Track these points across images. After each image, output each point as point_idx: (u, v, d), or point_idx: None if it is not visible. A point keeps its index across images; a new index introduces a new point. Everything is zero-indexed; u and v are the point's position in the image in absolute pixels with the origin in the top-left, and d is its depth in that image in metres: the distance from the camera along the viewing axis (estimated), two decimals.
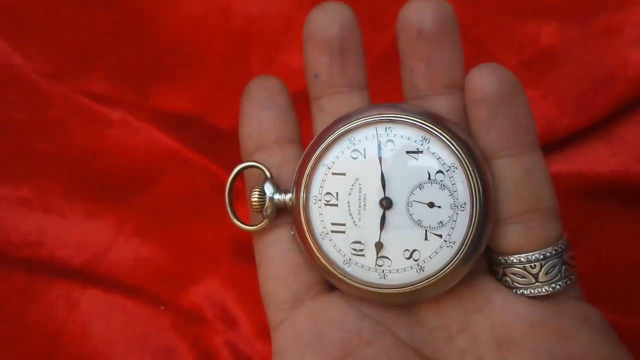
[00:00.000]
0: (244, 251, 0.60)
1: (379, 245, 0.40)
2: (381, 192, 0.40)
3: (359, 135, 0.40)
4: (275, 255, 0.42)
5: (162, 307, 0.64)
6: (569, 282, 0.39)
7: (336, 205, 0.40)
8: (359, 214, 0.40)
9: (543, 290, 0.39)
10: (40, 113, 0.66)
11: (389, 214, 0.40)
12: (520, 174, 0.38)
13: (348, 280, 0.40)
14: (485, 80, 0.38)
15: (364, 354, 0.39)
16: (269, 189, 0.41)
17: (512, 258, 0.39)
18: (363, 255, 0.40)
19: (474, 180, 0.38)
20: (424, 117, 0.39)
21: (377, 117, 0.40)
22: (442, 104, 0.41)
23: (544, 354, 0.37)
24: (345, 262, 0.40)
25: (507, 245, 0.39)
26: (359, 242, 0.40)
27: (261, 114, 0.42)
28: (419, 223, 0.39)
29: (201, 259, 0.66)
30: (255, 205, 0.41)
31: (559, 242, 0.39)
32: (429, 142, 0.39)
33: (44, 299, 0.63)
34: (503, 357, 0.38)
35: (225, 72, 0.67)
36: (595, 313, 0.40)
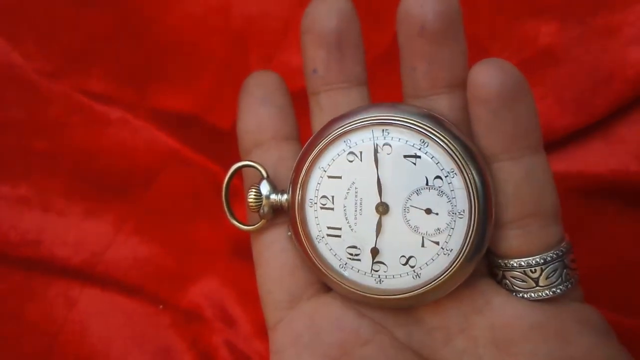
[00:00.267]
0: (243, 250, 0.59)
1: (374, 251, 0.39)
2: (377, 197, 0.39)
3: (355, 137, 0.39)
4: (272, 254, 0.42)
5: (161, 306, 0.63)
6: (569, 285, 0.38)
7: (332, 209, 0.39)
8: (355, 218, 0.39)
9: (543, 294, 0.38)
10: (39, 112, 0.66)
11: (385, 219, 0.39)
12: (520, 177, 0.37)
13: (344, 285, 0.39)
14: (488, 77, 0.35)
15: (361, 354, 0.39)
16: (265, 188, 0.40)
17: (512, 262, 0.38)
18: (359, 260, 0.39)
19: (473, 187, 0.37)
20: (423, 119, 0.38)
21: (373, 119, 0.38)
22: (443, 103, 0.39)
23: (544, 356, 0.36)
24: (341, 266, 0.40)
25: (507, 249, 0.38)
26: (355, 247, 0.39)
27: (259, 110, 0.42)
28: (415, 229, 0.38)
29: (200, 258, 0.65)
30: (252, 205, 0.40)
31: (560, 246, 0.38)
32: (427, 145, 0.38)
33: (42, 297, 0.62)
34: (502, 359, 0.37)
35: (224, 71, 0.67)
36: (596, 315, 0.39)
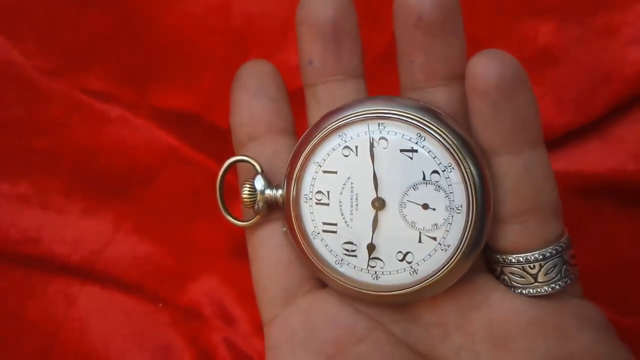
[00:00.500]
0: (242, 249, 0.59)
1: (371, 247, 0.38)
2: (373, 192, 0.38)
3: (351, 131, 0.38)
4: (267, 250, 0.41)
5: (161, 305, 0.63)
6: (568, 281, 0.37)
7: (327, 204, 0.39)
8: (351, 214, 0.38)
9: (542, 290, 0.37)
10: (39, 110, 0.65)
11: (381, 214, 0.38)
12: (519, 172, 0.36)
13: (340, 281, 0.38)
14: (487, 68, 0.34)
15: (357, 351, 0.38)
16: (259, 184, 0.39)
17: (510, 257, 0.37)
18: (355, 256, 0.38)
19: (471, 181, 0.36)
20: (419, 112, 0.37)
21: (369, 113, 0.37)
22: (441, 96, 0.38)
23: (542, 352, 0.36)
24: (337, 262, 0.39)
25: (506, 244, 0.37)
26: (351, 243, 0.38)
27: (253, 103, 0.41)
28: (412, 225, 0.37)
29: (199, 257, 0.65)
30: (246, 200, 0.39)
31: (560, 241, 0.37)
32: (424, 140, 0.37)
33: (42, 295, 0.62)
34: (499, 356, 0.37)
35: (224, 70, 0.67)
36: (596, 311, 0.38)
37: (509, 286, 0.38)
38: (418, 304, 0.40)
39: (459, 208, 0.36)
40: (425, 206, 0.37)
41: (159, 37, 0.67)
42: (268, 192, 0.40)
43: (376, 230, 0.38)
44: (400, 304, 0.39)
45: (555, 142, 0.62)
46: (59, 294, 0.62)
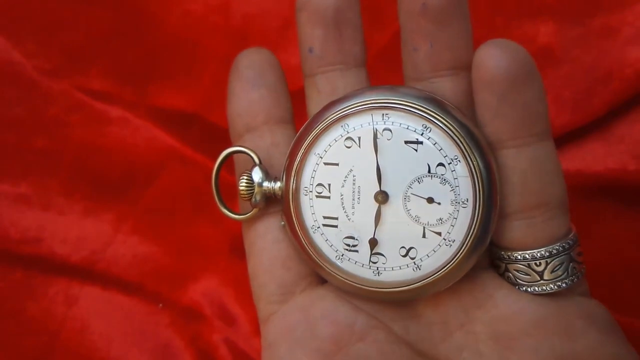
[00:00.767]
0: (242, 248, 0.59)
1: (373, 242, 0.37)
2: (376, 185, 0.36)
3: (354, 122, 0.36)
4: (265, 245, 0.39)
5: (161, 305, 0.62)
6: (575, 279, 0.36)
7: (328, 197, 0.37)
8: (353, 207, 0.37)
9: (548, 288, 0.36)
10: (39, 110, 0.64)
11: (384, 208, 0.36)
12: (528, 166, 0.35)
13: (340, 277, 0.37)
14: (495, 58, 0.33)
15: (356, 350, 0.37)
16: (257, 175, 0.38)
17: (515, 254, 0.36)
18: (356, 251, 0.37)
19: (478, 174, 0.34)
20: (425, 102, 0.35)
21: (373, 103, 0.36)
22: (446, 86, 0.37)
23: (547, 352, 0.35)
24: (338, 257, 0.37)
25: (511, 241, 0.36)
26: (352, 238, 0.37)
27: (250, 92, 0.39)
28: (416, 219, 0.36)
29: (200, 257, 0.64)
30: (243, 193, 0.38)
31: (567, 238, 0.36)
32: (429, 131, 0.35)
33: (43, 295, 0.61)
34: (503, 355, 0.36)
35: (224, 69, 0.65)
36: (602, 310, 0.37)
37: (514, 284, 0.37)
38: (419, 302, 0.38)
39: (465, 202, 0.35)
40: (430, 200, 0.36)
41: (159, 37, 0.66)
42: (266, 184, 0.38)
43: (379, 225, 0.37)
44: (402, 301, 0.38)
45: (555, 142, 0.61)
46: (60, 294, 0.62)
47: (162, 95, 0.67)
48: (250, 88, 0.40)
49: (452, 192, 0.35)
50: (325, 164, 0.37)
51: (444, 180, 0.35)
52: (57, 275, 0.62)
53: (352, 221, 0.37)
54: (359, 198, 0.37)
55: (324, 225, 0.38)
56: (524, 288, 0.37)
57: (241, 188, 0.38)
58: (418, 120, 0.36)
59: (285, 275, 0.39)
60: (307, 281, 0.40)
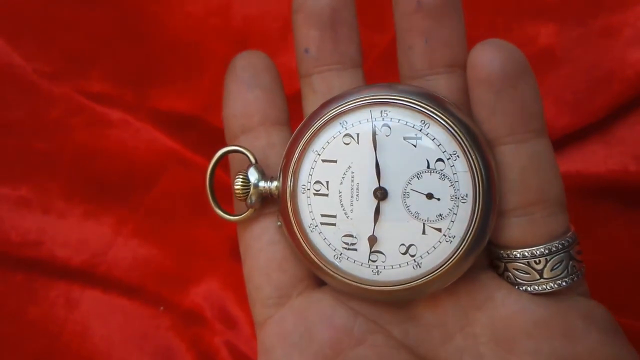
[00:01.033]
0: None
1: (372, 240, 0.36)
2: (375, 181, 0.36)
3: (352, 118, 0.36)
4: (261, 247, 0.39)
5: (162, 308, 0.62)
6: (575, 278, 0.36)
7: (326, 195, 0.37)
8: (351, 205, 0.36)
9: (548, 287, 0.36)
10: (40, 113, 0.64)
11: (383, 205, 0.36)
12: (525, 162, 0.35)
13: (338, 276, 0.37)
14: (489, 57, 0.34)
15: (355, 354, 0.36)
16: (253, 175, 0.38)
17: (515, 252, 0.36)
18: (355, 249, 0.37)
19: (477, 169, 0.34)
20: (423, 98, 0.35)
21: (372, 99, 0.36)
22: (442, 84, 0.37)
23: (548, 354, 0.34)
24: (336, 256, 0.37)
25: (510, 238, 0.36)
26: (351, 236, 0.37)
27: (246, 93, 0.39)
28: (416, 216, 0.36)
29: (200, 259, 0.64)
30: (239, 193, 0.38)
31: (566, 236, 0.36)
32: (428, 127, 0.35)
33: (43, 298, 0.61)
34: (504, 357, 0.35)
35: (224, 72, 0.66)
36: (602, 311, 0.37)
37: (513, 283, 0.37)
38: (418, 304, 0.38)
39: (465, 197, 0.35)
40: (430, 196, 0.36)
41: (159, 39, 0.66)
42: (262, 184, 0.38)
43: (378, 222, 0.36)
44: (402, 300, 0.38)
45: (556, 143, 0.61)
46: (61, 297, 0.61)
47: (162, 97, 0.67)
48: (246, 89, 0.39)
49: (451, 187, 0.35)
50: (324, 161, 0.37)
51: (444, 175, 0.35)
52: (57, 279, 0.62)
53: (351, 219, 0.37)
54: (357, 195, 0.37)
55: (321, 223, 0.37)
56: (523, 287, 0.36)
57: (236, 188, 0.38)
58: (417, 116, 0.36)
59: (282, 278, 0.39)
60: (304, 284, 0.39)
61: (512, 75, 0.34)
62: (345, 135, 0.37)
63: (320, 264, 0.37)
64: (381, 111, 0.36)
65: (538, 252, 0.36)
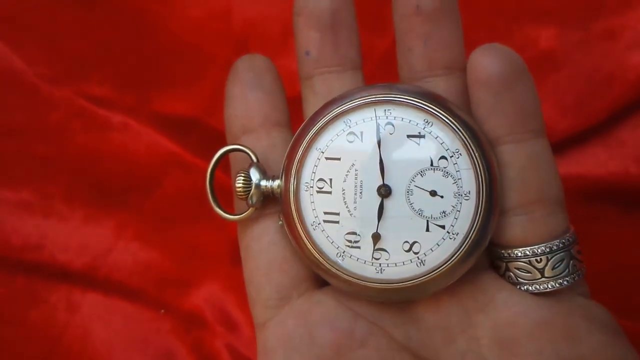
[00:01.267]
0: None
1: (376, 237, 0.36)
2: (379, 179, 0.36)
3: (356, 117, 0.37)
4: (261, 247, 0.39)
5: (163, 311, 0.62)
6: (576, 277, 0.36)
7: (330, 192, 0.37)
8: (355, 202, 0.37)
9: (549, 286, 0.36)
10: (41, 116, 0.65)
11: (387, 202, 0.36)
12: (525, 161, 0.36)
13: (342, 275, 0.37)
14: (489, 60, 0.35)
15: (356, 357, 0.36)
16: (254, 174, 0.38)
17: (516, 251, 0.36)
18: (358, 247, 0.37)
19: (480, 167, 0.35)
20: (426, 98, 0.36)
21: (375, 98, 0.37)
22: (441, 86, 0.38)
23: (551, 355, 0.35)
24: (339, 254, 0.37)
25: (511, 237, 0.36)
26: (355, 233, 0.37)
27: (247, 95, 0.40)
28: (419, 213, 0.36)
29: (201, 263, 0.64)
30: (240, 191, 0.38)
31: (566, 235, 0.36)
32: (431, 125, 0.36)
33: (44, 302, 0.61)
34: (506, 359, 0.36)
35: (225, 75, 0.66)
36: (604, 312, 0.37)
37: (515, 283, 0.37)
38: (420, 305, 0.38)
39: (468, 194, 0.35)
40: (433, 193, 0.36)
41: (160, 42, 0.66)
42: (264, 182, 0.38)
43: (381, 220, 0.37)
44: (406, 299, 0.38)
45: (557, 145, 0.62)
46: (62, 300, 0.62)
47: (163, 101, 0.67)
48: (247, 91, 0.40)
49: (454, 184, 0.36)
50: (327, 158, 0.37)
51: (447, 173, 0.36)
52: (58, 282, 0.62)
53: (354, 216, 0.37)
54: (361, 192, 0.37)
55: (324, 221, 0.37)
56: (525, 287, 0.37)
57: (238, 186, 0.38)
58: (420, 115, 0.36)
59: (282, 279, 0.39)
60: (305, 285, 0.39)
61: (510, 77, 0.35)
62: (349, 133, 0.37)
63: (323, 263, 0.37)
64: (385, 110, 0.37)
65: (539, 250, 0.36)
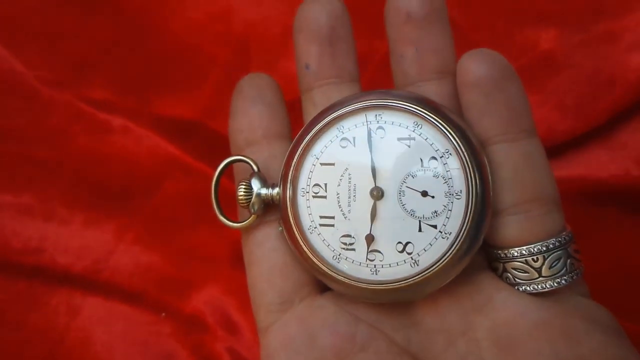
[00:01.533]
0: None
1: (369, 238, 0.37)
2: (372, 181, 0.37)
3: (348, 123, 0.38)
4: (263, 253, 0.40)
5: (163, 314, 0.62)
6: (574, 276, 0.36)
7: (325, 197, 0.38)
8: (349, 205, 0.38)
9: (547, 285, 0.36)
10: (42, 120, 0.65)
11: (380, 204, 0.37)
12: (518, 160, 0.36)
13: (338, 277, 0.37)
14: (477, 64, 0.36)
15: None
16: (255, 183, 0.39)
17: (512, 251, 0.37)
18: (353, 249, 0.38)
19: (470, 166, 0.35)
20: (415, 101, 0.37)
21: (366, 103, 0.38)
22: (433, 90, 0.39)
23: (549, 355, 0.35)
24: (335, 257, 0.38)
25: (507, 237, 0.37)
26: (349, 236, 0.38)
27: (250, 109, 0.41)
28: (412, 213, 0.37)
29: (202, 266, 0.64)
30: (242, 200, 0.39)
31: (563, 234, 0.36)
32: (421, 127, 0.37)
33: (45, 305, 0.62)
34: None
35: (225, 77, 0.66)
36: (604, 312, 0.37)
37: (513, 284, 0.37)
38: (419, 308, 0.39)
39: (459, 194, 0.36)
40: (425, 193, 0.37)
41: (161, 45, 0.67)
42: (264, 191, 0.39)
43: (375, 221, 0.37)
44: (402, 300, 0.38)
45: (558, 148, 0.62)
46: (62, 304, 0.62)
47: (164, 103, 0.67)
48: (250, 105, 0.41)
49: (445, 184, 0.36)
50: (322, 164, 0.39)
51: (437, 173, 0.37)
52: (59, 286, 0.63)
53: (349, 219, 0.38)
54: (354, 196, 0.38)
55: (320, 225, 0.38)
56: (523, 287, 0.37)
57: (240, 195, 0.39)
58: (409, 118, 0.37)
59: (284, 284, 0.40)
60: (306, 290, 0.40)
61: (498, 78, 0.36)
62: (342, 139, 0.38)
63: (320, 266, 0.38)
64: (376, 115, 0.38)
65: (535, 249, 0.36)
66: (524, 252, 0.37)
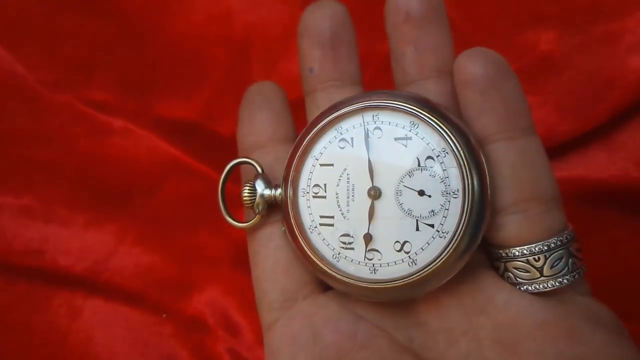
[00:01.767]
0: (245, 258, 0.59)
1: (367, 237, 0.38)
2: (369, 181, 0.38)
3: (346, 124, 0.39)
4: (267, 252, 0.41)
5: (164, 315, 0.62)
6: (576, 276, 0.36)
7: (324, 197, 0.39)
8: (348, 205, 0.38)
9: (549, 285, 0.36)
10: (42, 122, 0.65)
11: (377, 203, 0.38)
12: (517, 159, 0.36)
13: (338, 276, 0.38)
14: (474, 62, 0.37)
15: (358, 358, 0.37)
16: (259, 184, 0.40)
17: (513, 251, 0.37)
18: (352, 248, 0.38)
19: (466, 165, 0.36)
20: (412, 102, 0.38)
21: (364, 104, 0.38)
22: (432, 89, 0.40)
23: (552, 355, 0.35)
24: (335, 256, 0.39)
25: (508, 236, 0.37)
26: (348, 235, 0.38)
27: (257, 115, 0.42)
28: (409, 213, 0.37)
29: (203, 267, 0.64)
30: (246, 200, 0.40)
31: (564, 233, 0.37)
32: (417, 127, 0.37)
33: (46, 307, 0.62)
34: None
35: (226, 79, 0.67)
36: (607, 312, 0.37)
37: (514, 283, 0.37)
38: (421, 307, 0.39)
39: (456, 192, 0.36)
40: (421, 193, 0.37)
41: (161, 47, 0.67)
42: (267, 191, 0.40)
43: (373, 220, 0.38)
44: (401, 299, 0.39)
45: (558, 149, 0.62)
46: (63, 305, 0.62)
47: (164, 105, 0.67)
48: (257, 111, 0.43)
49: (442, 183, 0.37)
50: (321, 165, 0.39)
51: (434, 172, 0.37)
52: (60, 287, 0.63)
53: (347, 219, 0.38)
54: (353, 196, 0.38)
55: (320, 224, 0.39)
56: (524, 287, 0.37)
57: (244, 195, 0.40)
58: (406, 118, 0.38)
59: (287, 282, 0.40)
60: (309, 288, 0.41)
61: (494, 76, 0.36)
62: (341, 139, 0.39)
63: (321, 265, 0.38)
64: (373, 115, 0.39)
65: (536, 249, 0.37)
66: (525, 251, 0.37)
